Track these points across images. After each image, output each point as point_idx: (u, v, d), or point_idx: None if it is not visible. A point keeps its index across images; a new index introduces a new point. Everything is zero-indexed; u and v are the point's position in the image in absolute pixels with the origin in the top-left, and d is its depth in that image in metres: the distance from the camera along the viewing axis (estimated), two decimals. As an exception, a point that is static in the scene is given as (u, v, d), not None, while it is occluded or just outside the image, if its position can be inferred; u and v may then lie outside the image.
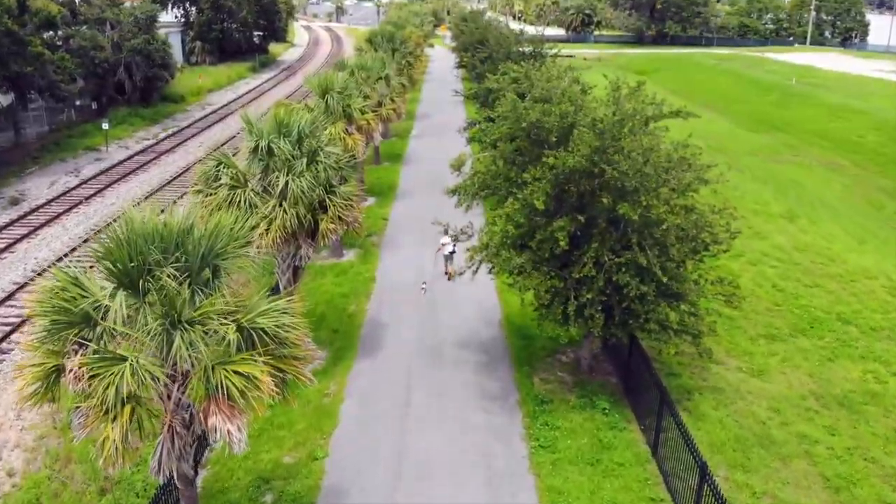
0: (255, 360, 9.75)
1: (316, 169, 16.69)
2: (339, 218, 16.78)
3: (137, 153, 43.69)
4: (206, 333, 9.60)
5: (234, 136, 47.60)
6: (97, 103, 52.12)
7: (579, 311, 15.24)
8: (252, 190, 16.31)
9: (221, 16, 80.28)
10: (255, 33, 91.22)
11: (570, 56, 30.83)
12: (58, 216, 31.93)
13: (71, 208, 33.05)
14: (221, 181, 16.26)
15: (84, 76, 48.77)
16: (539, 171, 14.33)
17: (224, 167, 16.53)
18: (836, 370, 19.46)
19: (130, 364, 9.26)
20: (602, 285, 14.72)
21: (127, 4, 55.48)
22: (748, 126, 57.12)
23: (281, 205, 16.09)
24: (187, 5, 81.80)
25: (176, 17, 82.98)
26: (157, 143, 46.48)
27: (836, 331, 21.56)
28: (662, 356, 17.18)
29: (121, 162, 41.39)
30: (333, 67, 31.47)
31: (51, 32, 45.28)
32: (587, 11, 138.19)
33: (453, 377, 18.26)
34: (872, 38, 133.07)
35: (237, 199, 15.97)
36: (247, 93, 68.09)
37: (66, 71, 44.42)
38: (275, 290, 20.26)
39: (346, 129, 24.52)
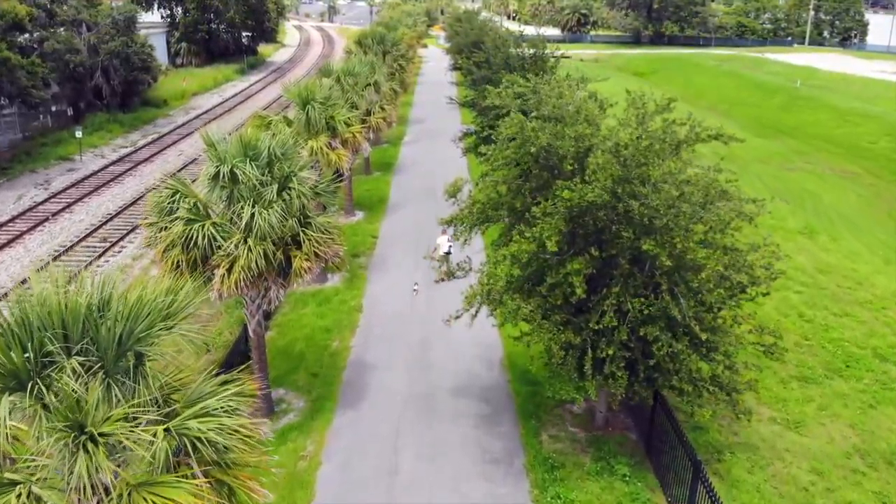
0: (187, 480, 7.41)
1: (288, 197, 14.35)
2: (316, 254, 14.41)
3: (113, 163, 41.20)
4: (122, 448, 7.26)
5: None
6: (73, 109, 49.62)
7: (597, 365, 12.94)
8: (213, 223, 13.96)
9: (208, 16, 77.74)
10: (244, 34, 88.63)
11: (567, 56, 28.47)
12: (20, 235, 29.46)
13: (36, 226, 30.58)
14: (177, 214, 13.90)
15: (59, 81, 46.24)
16: (550, 205, 12.03)
17: (181, 197, 14.18)
18: (879, 419, 17.24)
19: (19, 493, 6.91)
20: (625, 338, 12.42)
21: (114, 3, 52.99)
22: (754, 131, 54.89)
23: (246, 241, 13.73)
24: (173, 5, 79.22)
25: (162, 17, 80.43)
26: (135, 152, 43.99)
27: (875, 370, 19.35)
28: (695, 418, 14.90)
29: (94, 173, 38.90)
30: (318, 73, 29.08)
31: (24, 35, 42.81)
32: (583, 11, 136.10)
33: (449, 433, 15.92)
34: (871, 38, 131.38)
35: (194, 236, 13.62)
36: (233, 96, 65.59)
37: (39, 76, 41.89)
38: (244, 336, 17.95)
39: (330, 144, 22.18)
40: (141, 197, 34.79)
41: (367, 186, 37.03)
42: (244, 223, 13.65)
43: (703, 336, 12.26)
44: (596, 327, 12.52)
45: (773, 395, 17.83)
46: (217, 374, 17.65)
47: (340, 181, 33.90)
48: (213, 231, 13.74)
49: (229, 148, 14.47)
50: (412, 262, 26.29)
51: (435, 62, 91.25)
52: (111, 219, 31.57)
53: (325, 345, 20.03)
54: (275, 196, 14.14)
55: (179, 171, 39.02)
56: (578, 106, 12.99)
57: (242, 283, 13.64)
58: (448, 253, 23.56)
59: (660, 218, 11.41)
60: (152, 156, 42.93)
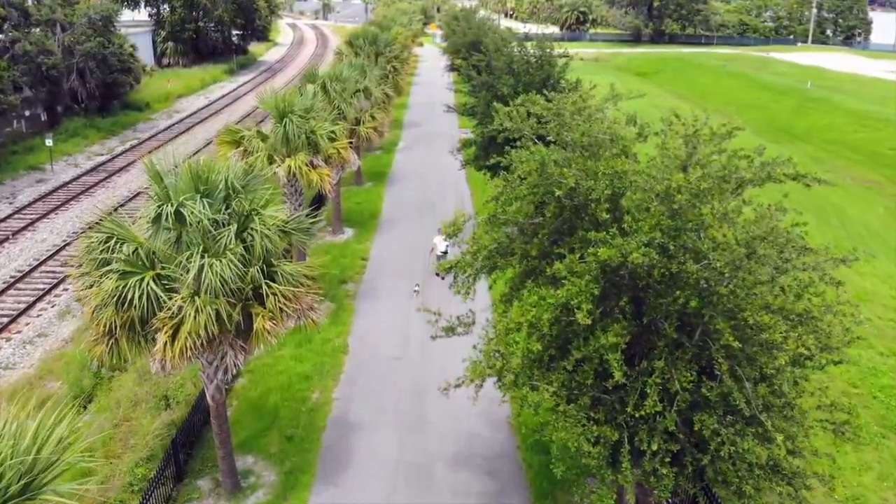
0: None
1: (250, 239, 11.66)
2: (283, 311, 11.72)
3: (86, 172, 38.42)
4: None
5: (198, 152, 42.47)
6: (49, 114, 46.75)
7: (635, 457, 10.28)
8: (156, 276, 11.25)
9: (195, 14, 74.82)
10: (234, 32, 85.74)
11: (577, 58, 25.78)
12: (-26, 257, 26.73)
13: (-8, 246, 27.85)
14: (112, 266, 11.20)
15: (31, 84, 43.41)
16: (578, 260, 9.34)
17: (118, 243, 11.48)
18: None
19: None
20: (673, 428, 9.76)
21: (99, 1, 50.12)
22: (767, 135, 52.22)
23: (194, 299, 11.03)
24: (159, 3, 76.33)
25: (150, 15, 77.52)
26: (111, 160, 41.20)
27: (941, 429, 16.74)
28: None
29: (65, 184, 36.13)
30: (302, 79, 26.37)
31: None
32: (582, 9, 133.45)
33: (447, 520, 13.27)
34: (875, 37, 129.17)
35: (129, 293, 10.92)
36: (220, 97, 62.76)
37: (7, 80, 39.09)
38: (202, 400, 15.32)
39: (311, 162, 19.46)
40: (112, 213, 31.99)
41: (357, 199, 34.33)
42: (190, 277, 10.94)
43: (769, 424, 9.62)
44: (636, 414, 9.85)
45: (822, 461, 15.18)
46: (176, 438, 14.91)
47: (320, 208, 31.24)
48: (153, 287, 11.03)
49: (178, 181, 11.78)
50: (406, 290, 23.62)
51: (431, 61, 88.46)
52: (77, 238, 28.77)
53: (304, 397, 17.33)
54: (233, 240, 11.44)
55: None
56: (614, 133, 10.31)
57: (190, 351, 10.93)
58: (444, 252, 23.66)
59: (723, 283, 8.76)
60: (128, 164, 40.14)
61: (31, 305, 23.19)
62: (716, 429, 9.53)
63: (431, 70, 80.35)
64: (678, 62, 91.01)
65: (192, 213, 11.29)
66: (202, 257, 11.07)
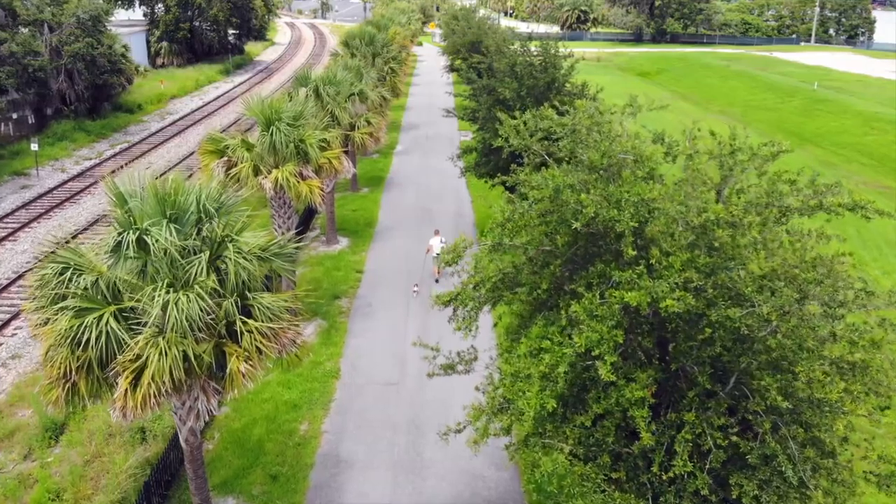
0: None
1: (224, 268, 10.36)
2: (260, 350, 10.41)
3: (73, 178, 37.07)
4: None
5: (191, 155, 41.16)
6: (37, 116, 45.39)
7: (658, 522, 8.99)
8: (116, 312, 9.95)
9: (190, 14, 73.43)
10: (230, 32, 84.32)
11: (574, 58, 24.44)
12: (-51, 270, 25.42)
13: (-31, 258, 26.54)
14: (67, 302, 9.89)
15: (17, 87, 42.05)
16: (598, 301, 8.03)
17: (74, 274, 10.18)
18: None
19: None
20: (705, 492, 8.47)
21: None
22: (773, 138, 50.90)
23: (158, 339, 9.72)
24: (154, 3, 74.95)
25: (144, 15, 76.15)
26: (99, 164, 39.86)
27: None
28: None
29: (50, 191, 34.79)
30: (294, 83, 25.05)
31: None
32: (583, 8, 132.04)
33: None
34: (878, 36, 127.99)
35: (86, 333, 9.62)
36: (215, 99, 61.39)
37: (-8, 81, 37.84)
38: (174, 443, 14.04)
39: (301, 173, 18.14)
40: (96, 221, 30.74)
41: (353, 206, 33.03)
42: (154, 315, 9.63)
43: (817, 492, 8.35)
44: (663, 475, 8.56)
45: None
46: (149, 479, 13.57)
47: (313, 218, 29.86)
48: (112, 326, 9.72)
49: (144, 204, 10.48)
50: (403, 306, 22.33)
51: (430, 61, 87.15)
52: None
53: (291, 429, 16.02)
54: (203, 270, 10.12)
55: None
56: (638, 152, 8.97)
57: (154, 399, 9.63)
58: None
59: (769, 331, 7.48)
60: (117, 169, 38.72)
61: (5, 324, 21.89)
62: (756, 495, 8.23)
63: (431, 70, 79.01)
64: (681, 62, 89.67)
65: (156, 241, 9.97)
66: (167, 292, 9.75)
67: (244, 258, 10.40)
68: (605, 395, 8.45)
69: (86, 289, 10.01)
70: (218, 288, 10.20)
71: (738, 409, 8.84)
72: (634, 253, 7.95)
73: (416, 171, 39.87)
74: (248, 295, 10.46)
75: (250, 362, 10.28)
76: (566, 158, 10.28)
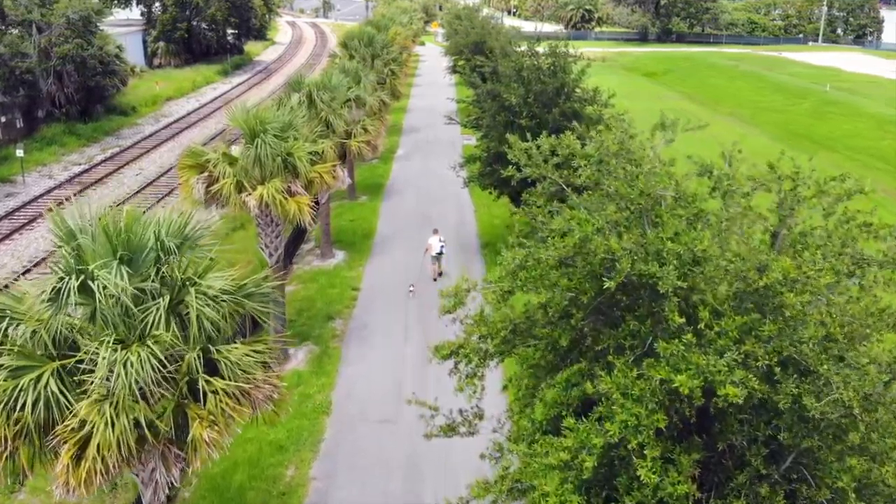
0: None
1: (185, 314, 8.89)
2: (226, 413, 8.91)
3: (60, 185, 35.63)
4: None
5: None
6: (27, 120, 43.95)
7: None
8: (59, 369, 8.48)
9: (187, 13, 71.95)
10: (230, 32, 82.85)
11: (585, 59, 22.90)
12: (-80, 286, 23.93)
13: (-57, 273, 25.10)
14: (2, 359, 8.42)
15: (4, 89, 40.60)
16: (634, 378, 6.53)
17: (12, 324, 8.72)
18: None
19: None
20: None
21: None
22: (786, 141, 49.31)
23: (104, 405, 8.24)
24: (151, 2, 73.50)
25: (142, 13, 74.74)
26: (89, 170, 38.38)
27: None
28: None
29: (34, 199, 33.35)
30: (286, 88, 23.57)
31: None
32: (587, 7, 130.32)
33: None
34: (886, 36, 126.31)
35: (23, 397, 8.15)
36: (212, 100, 59.89)
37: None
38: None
39: (288, 188, 16.65)
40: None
41: (351, 215, 31.55)
42: (98, 377, 8.15)
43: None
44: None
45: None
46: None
47: (304, 235, 28.22)
48: (53, 388, 8.25)
49: (95, 242, 9.00)
50: (401, 328, 20.85)
51: (432, 61, 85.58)
52: (36, 265, 26.04)
53: (276, 474, 14.54)
54: (161, 320, 8.64)
55: (131, 197, 33.56)
56: (680, 188, 7.45)
57: (101, 476, 8.15)
58: (440, 253, 24.05)
59: (851, 423, 6.00)
60: (107, 175, 37.35)
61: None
62: None
63: (433, 70, 77.42)
64: (687, 62, 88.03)
65: (104, 287, 8.48)
66: (116, 349, 8.28)
67: (210, 303, 8.90)
68: (640, 486, 6.94)
69: (23, 343, 8.53)
70: (177, 342, 8.71)
71: (797, 495, 7.33)
72: (682, 321, 6.44)
73: (416, 176, 38.38)
74: (212, 349, 8.95)
75: (216, 427, 8.79)
76: (588, 187, 8.78)
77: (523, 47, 24.88)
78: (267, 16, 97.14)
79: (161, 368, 8.50)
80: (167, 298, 8.95)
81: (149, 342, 8.34)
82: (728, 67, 79.98)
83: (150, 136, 46.74)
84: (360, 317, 21.62)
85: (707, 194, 8.08)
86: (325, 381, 17.96)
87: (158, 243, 9.17)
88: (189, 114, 54.26)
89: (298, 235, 27.30)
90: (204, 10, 72.07)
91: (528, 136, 23.27)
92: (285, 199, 16.46)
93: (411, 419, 16.20)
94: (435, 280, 24.09)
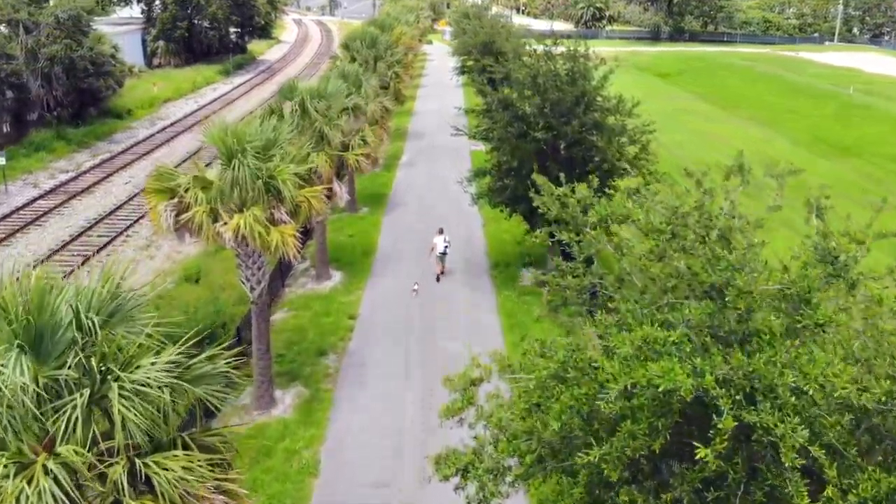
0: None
1: (117, 405, 6.76)
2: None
3: (45, 194, 33.61)
4: None
5: (177, 167, 37.55)
6: (16, 124, 42.01)
7: None
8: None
9: (188, 11, 69.95)
10: (232, 30, 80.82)
11: (605, 62, 20.64)
12: None
13: None
14: None
15: (-11, 92, 38.75)
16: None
17: None
18: None
19: None
20: None
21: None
22: (812, 148, 47.00)
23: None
24: (151, 0, 71.59)
25: (142, 12, 72.85)
26: (77, 177, 36.37)
27: None
28: None
29: (16, 210, 31.30)
30: (278, 95, 21.45)
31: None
32: (598, 5, 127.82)
33: None
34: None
35: None
36: (211, 102, 57.88)
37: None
38: None
39: (271, 215, 14.51)
40: (62, 247, 27.24)
41: (350, 229, 29.41)
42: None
43: None
44: None
45: None
46: None
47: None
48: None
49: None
50: (402, 366, 18.71)
51: (440, 60, 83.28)
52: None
53: (251, 557, 12.40)
54: (79, 422, 6.53)
55: (118, 208, 31.52)
56: (798, 284, 5.31)
57: None
58: (444, 253, 24.12)
59: None
60: (94, 184, 35.32)
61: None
62: None
63: (440, 70, 75.19)
64: (702, 62, 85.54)
65: (3, 384, 6.37)
66: (13, 465, 6.16)
67: (136, 404, 6.77)
68: None
69: None
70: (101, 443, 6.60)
71: None
72: (806, 500, 4.28)
73: (421, 186, 36.22)
74: (137, 463, 6.80)
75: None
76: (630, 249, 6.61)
77: (536, 47, 22.63)
78: (272, 14, 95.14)
79: (75, 491, 6.39)
80: (86, 393, 6.83)
81: (63, 452, 6.21)
82: (745, 68, 77.48)
83: (144, 140, 44.73)
84: (356, 352, 19.48)
85: (820, 277, 5.85)
86: (314, 432, 15.82)
87: (78, 320, 7.04)
88: (186, 116, 52.26)
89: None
90: (205, 8, 70.06)
91: (544, 147, 21.17)
92: (267, 228, 14.31)
93: (409, 484, 14.12)
94: (438, 280, 24.22)
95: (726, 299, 5.21)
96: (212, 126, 14.67)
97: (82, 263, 25.71)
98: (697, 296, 5.55)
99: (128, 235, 28.65)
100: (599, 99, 20.93)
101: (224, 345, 9.11)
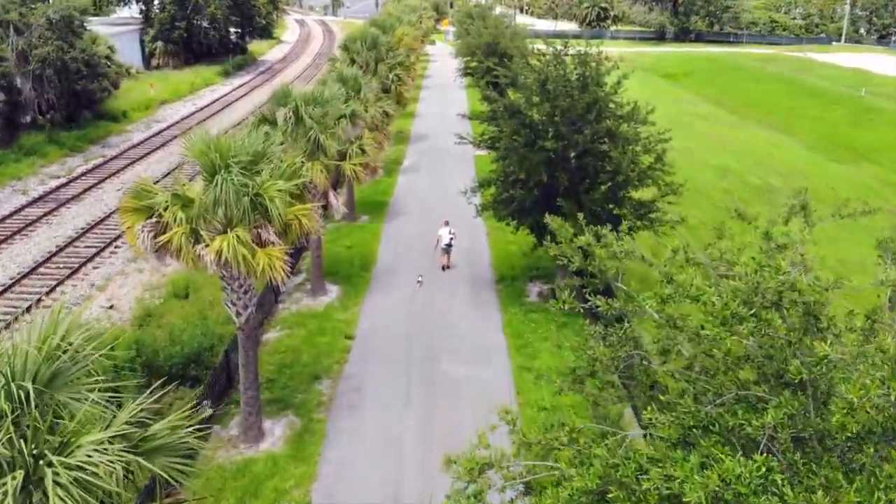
0: None
1: (53, 496, 5.53)
2: None
3: (33, 202, 32.42)
4: None
5: (168, 174, 36.46)
6: (8, 128, 40.76)
7: None
8: None
9: (186, 11, 68.78)
10: (232, 30, 79.62)
11: (617, 66, 19.44)
12: None
13: None
14: None
15: (-21, 95, 37.61)
16: None
17: None
18: None
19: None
20: None
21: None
22: (825, 151, 45.68)
23: None
24: (150, 0, 70.48)
25: (141, 11, 71.75)
26: (68, 184, 35.16)
27: None
28: None
29: (4, 219, 30.12)
30: (271, 102, 20.20)
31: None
32: (603, 5, 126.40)
33: None
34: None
35: None
36: (209, 104, 56.66)
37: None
38: None
39: (258, 235, 13.29)
40: (47, 260, 26.05)
41: (349, 240, 28.18)
42: None
43: None
44: None
45: None
46: None
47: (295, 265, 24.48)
48: None
49: None
50: (402, 391, 17.48)
51: (443, 61, 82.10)
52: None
53: None
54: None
55: (108, 217, 30.29)
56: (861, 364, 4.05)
57: None
58: (449, 245, 24.66)
59: None
60: (85, 191, 34.12)
61: None
62: None
63: (443, 71, 73.98)
64: (710, 63, 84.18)
65: None
66: None
67: (74, 492, 5.54)
68: None
69: None
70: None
71: None
72: None
73: (424, 192, 34.99)
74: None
75: None
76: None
77: (542, 46, 21.36)
78: (274, 14, 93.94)
79: None
80: (20, 476, 5.62)
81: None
82: (755, 69, 76.11)
83: (139, 144, 43.56)
84: (353, 376, 18.23)
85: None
86: (305, 469, 14.59)
87: (10, 391, 5.82)
88: (184, 119, 51.09)
89: (293, 259, 23.95)
90: (204, 8, 68.89)
91: (553, 156, 19.90)
92: (253, 250, 13.08)
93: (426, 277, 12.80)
94: (444, 269, 24.88)
95: (832, 419, 3.98)
96: (194, 138, 13.43)
97: (67, 277, 24.54)
98: (772, 384, 4.35)
99: (116, 247, 27.43)
100: (612, 105, 19.68)
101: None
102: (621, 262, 6.46)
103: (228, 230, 13.04)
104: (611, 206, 20.00)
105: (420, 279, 23.61)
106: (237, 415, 16.13)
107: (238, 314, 14.56)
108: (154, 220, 13.01)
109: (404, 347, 19.61)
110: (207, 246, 12.77)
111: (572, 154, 19.66)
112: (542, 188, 20.19)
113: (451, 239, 24.58)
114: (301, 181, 14.69)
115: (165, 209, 12.97)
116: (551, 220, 8.63)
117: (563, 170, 19.73)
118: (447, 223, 24.99)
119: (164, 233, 12.95)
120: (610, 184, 19.45)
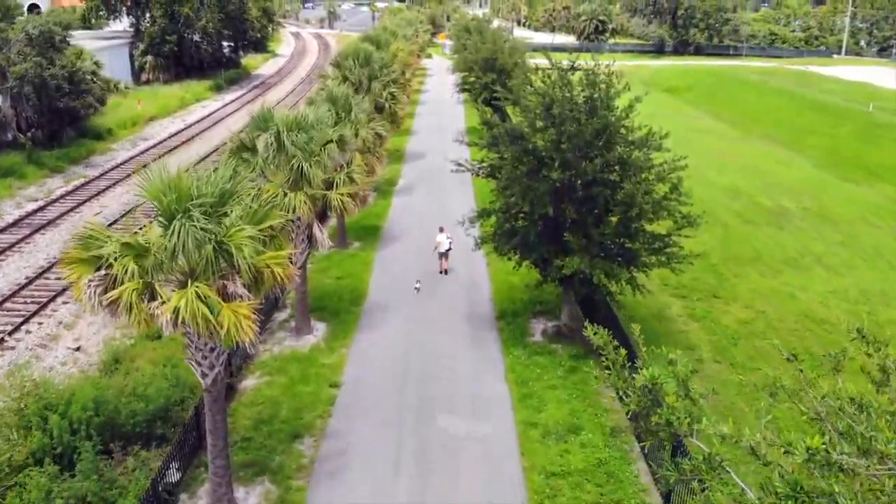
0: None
1: None
2: None
3: (6, 227, 30.60)
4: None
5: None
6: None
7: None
8: None
9: (177, 25, 67.23)
10: (225, 44, 78.11)
11: (628, 87, 17.66)
12: None
13: None
14: None
15: (-47, 113, 35.90)
16: None
17: None
18: None
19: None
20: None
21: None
22: (834, 169, 44.02)
23: None
24: (140, 13, 68.93)
25: (131, 25, 70.23)
26: (43, 208, 33.39)
27: None
28: None
29: (-29, 246, 28.36)
30: (249, 127, 18.41)
31: None
32: (601, 18, 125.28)
33: None
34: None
35: None
36: (199, 121, 55.04)
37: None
38: None
39: (224, 288, 11.50)
40: (15, 294, 24.19)
41: (338, 271, 26.37)
42: None
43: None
44: None
45: None
46: None
47: (273, 307, 22.51)
48: None
49: None
50: (391, 454, 15.62)
51: (440, 75, 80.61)
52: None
53: None
54: None
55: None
56: None
57: None
58: (448, 250, 25.50)
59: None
60: (62, 215, 32.35)
61: None
62: None
63: (440, 86, 72.48)
64: (711, 76, 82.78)
65: None
66: None
67: None
68: None
69: None
70: None
71: None
72: None
73: (419, 216, 33.15)
74: None
75: None
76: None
77: (544, 61, 19.70)
78: (269, 27, 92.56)
79: None
80: None
81: None
82: (757, 83, 74.70)
83: (123, 163, 41.84)
84: (337, 433, 16.37)
85: None
86: (282, 553, 12.73)
87: None
88: (171, 136, 49.49)
89: (271, 304, 22.16)
90: (195, 21, 67.34)
91: (559, 186, 18.15)
92: (217, 306, 11.27)
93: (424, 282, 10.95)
94: (445, 273, 25.67)
95: None
96: (150, 176, 11.65)
97: (34, 314, 22.70)
98: None
99: (89, 278, 25.59)
100: (623, 131, 17.95)
101: None
102: (697, 406, 4.76)
103: (190, 282, 11.24)
104: (622, 240, 18.31)
105: (418, 285, 24.04)
106: (207, 480, 14.29)
107: (204, 375, 12.74)
108: (102, 273, 11.21)
109: (395, 398, 17.77)
110: (164, 303, 10.96)
111: (580, 183, 17.93)
112: (547, 220, 18.46)
113: (450, 243, 25.45)
114: (278, 222, 12.90)
115: (115, 260, 11.17)
116: (595, 339, 6.74)
117: (570, 201, 18.00)
118: (442, 229, 25.72)
119: (115, 287, 11.15)
120: (621, 216, 17.72)
